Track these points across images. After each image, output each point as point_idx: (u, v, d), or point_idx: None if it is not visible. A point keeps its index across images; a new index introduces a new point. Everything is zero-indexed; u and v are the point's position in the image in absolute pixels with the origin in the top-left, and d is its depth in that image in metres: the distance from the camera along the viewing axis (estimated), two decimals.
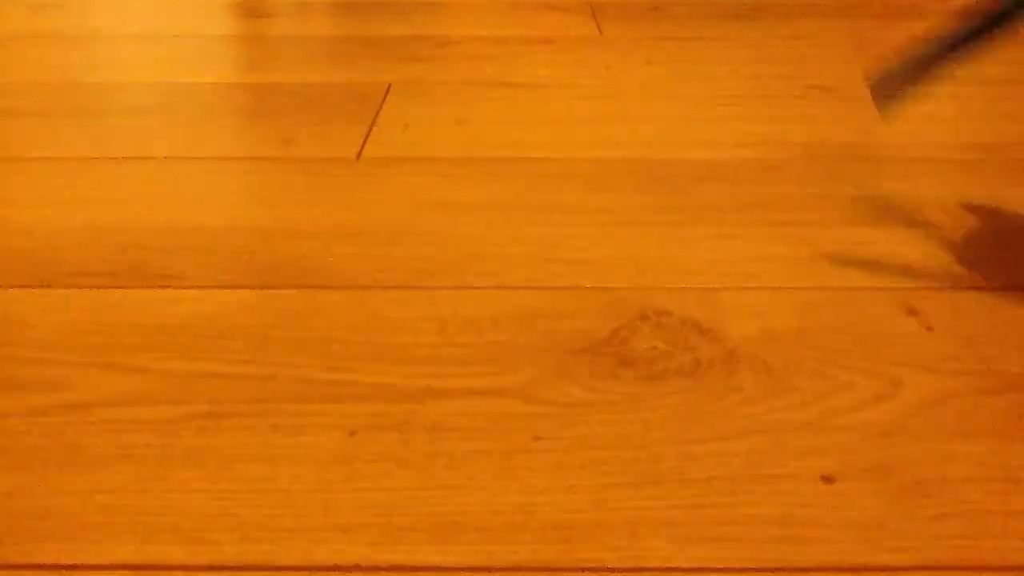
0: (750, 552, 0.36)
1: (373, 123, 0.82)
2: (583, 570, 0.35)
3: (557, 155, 0.75)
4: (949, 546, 0.37)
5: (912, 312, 0.53)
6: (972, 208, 0.66)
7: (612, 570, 0.36)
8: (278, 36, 1.12)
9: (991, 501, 0.39)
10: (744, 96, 0.89)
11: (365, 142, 0.78)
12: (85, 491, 0.40)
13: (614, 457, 0.41)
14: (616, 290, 0.55)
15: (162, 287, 0.55)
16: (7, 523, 0.38)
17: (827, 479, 0.40)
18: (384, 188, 0.69)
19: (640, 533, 0.37)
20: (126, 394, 0.46)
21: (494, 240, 0.61)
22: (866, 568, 0.36)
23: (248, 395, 0.46)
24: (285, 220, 0.64)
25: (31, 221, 0.64)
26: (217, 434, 0.43)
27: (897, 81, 0.40)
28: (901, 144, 0.77)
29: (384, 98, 0.88)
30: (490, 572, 0.35)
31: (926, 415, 0.44)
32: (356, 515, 0.38)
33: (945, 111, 0.86)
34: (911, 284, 0.56)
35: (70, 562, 0.36)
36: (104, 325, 0.52)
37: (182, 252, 0.59)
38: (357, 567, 0.36)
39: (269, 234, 0.62)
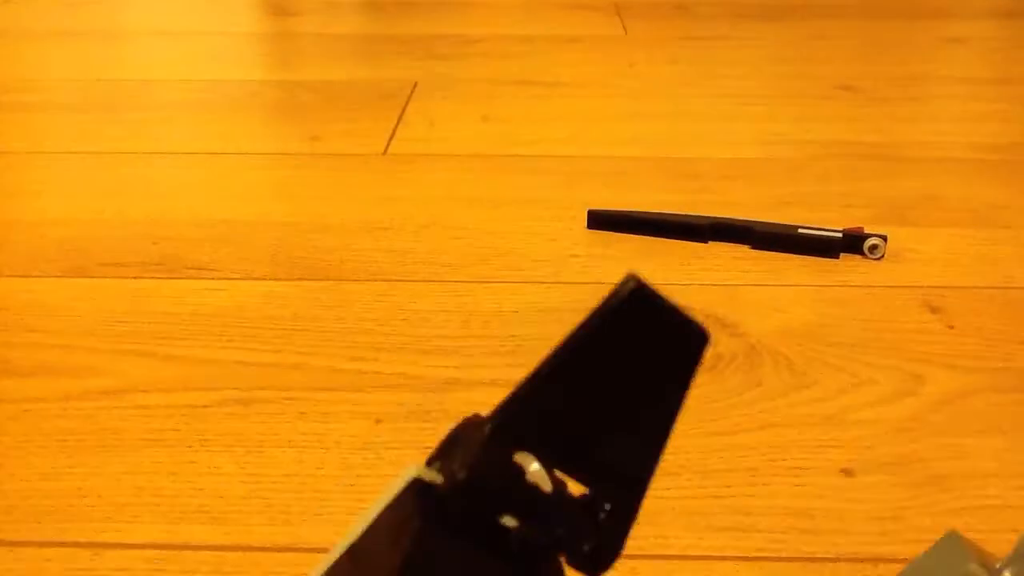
0: (768, 542, 0.37)
1: (399, 120, 0.83)
2: None
3: (581, 152, 0.76)
4: None
5: (934, 310, 0.53)
6: (993, 208, 0.66)
7: (633, 556, 0.36)
8: (306, 34, 1.13)
9: (1010, 496, 0.39)
10: (768, 95, 0.89)
11: (391, 138, 0.78)
12: (117, 473, 0.41)
13: None
14: None
15: (192, 278, 0.56)
16: (43, 503, 0.39)
17: (847, 472, 0.41)
18: (410, 183, 0.70)
19: (660, 521, 0.38)
20: (157, 381, 0.47)
21: (517, 235, 0.62)
22: (883, 559, 0.36)
23: (276, 383, 0.46)
24: (313, 214, 0.65)
25: (65, 213, 0.65)
26: (246, 420, 0.44)
27: None
28: (924, 144, 0.77)
29: (410, 95, 0.89)
30: None
31: (946, 411, 0.45)
32: None
33: (968, 111, 0.86)
34: (933, 282, 0.56)
35: (103, 541, 0.37)
36: (136, 314, 0.53)
37: (212, 244, 0.60)
38: None
39: (297, 227, 0.63)
